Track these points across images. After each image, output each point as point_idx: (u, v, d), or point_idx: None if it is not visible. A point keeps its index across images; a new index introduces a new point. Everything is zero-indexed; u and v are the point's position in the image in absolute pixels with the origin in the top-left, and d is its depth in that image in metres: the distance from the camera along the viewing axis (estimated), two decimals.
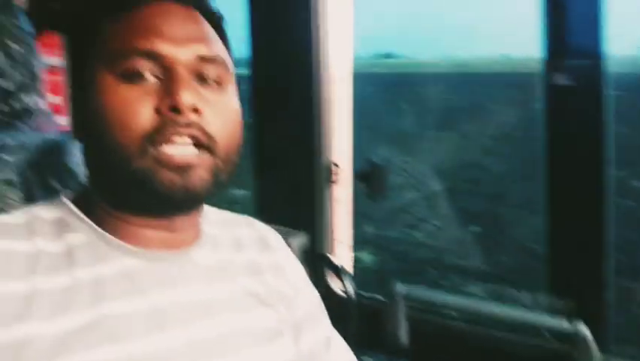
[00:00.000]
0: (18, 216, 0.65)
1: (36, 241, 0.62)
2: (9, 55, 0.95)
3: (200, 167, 0.61)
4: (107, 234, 0.65)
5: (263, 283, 0.75)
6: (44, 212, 0.66)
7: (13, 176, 0.96)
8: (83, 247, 0.63)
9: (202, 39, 0.64)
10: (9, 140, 0.95)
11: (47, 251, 0.61)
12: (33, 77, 0.99)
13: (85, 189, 0.70)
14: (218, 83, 0.65)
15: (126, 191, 0.63)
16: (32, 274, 0.59)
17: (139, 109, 0.60)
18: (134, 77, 0.61)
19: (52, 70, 1.26)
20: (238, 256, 0.75)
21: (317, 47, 1.30)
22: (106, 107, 0.61)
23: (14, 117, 0.96)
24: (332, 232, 1.34)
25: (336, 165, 1.32)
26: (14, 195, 0.95)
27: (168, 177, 0.60)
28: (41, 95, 1.01)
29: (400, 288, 1.21)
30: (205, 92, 0.63)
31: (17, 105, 0.96)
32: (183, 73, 0.61)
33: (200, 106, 0.61)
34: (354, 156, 1.41)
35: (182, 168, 0.60)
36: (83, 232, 0.65)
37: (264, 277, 0.75)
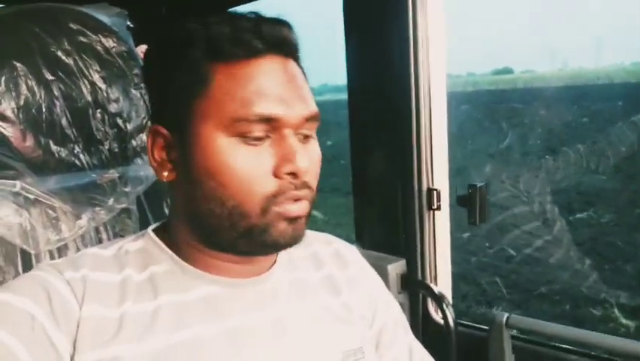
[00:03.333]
0: (109, 249, 0.70)
1: (125, 270, 0.67)
2: (130, 100, 1.07)
3: (304, 216, 0.67)
4: (187, 264, 0.69)
5: (341, 299, 0.76)
6: (130, 245, 0.71)
7: (130, 205, 1.09)
8: (165, 276, 0.68)
9: (305, 98, 0.66)
10: (129, 174, 1.08)
11: (134, 280, 0.67)
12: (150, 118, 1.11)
13: (168, 223, 0.74)
14: (310, 134, 0.68)
15: (235, 241, 0.66)
16: (123, 300, 0.64)
17: (259, 173, 0.63)
18: (249, 139, 0.63)
19: None
20: (316, 273, 0.77)
21: (415, 68, 1.29)
22: (225, 169, 0.62)
23: (133, 155, 1.08)
24: (432, 259, 1.31)
25: (436, 191, 1.30)
26: (131, 221, 1.07)
27: (282, 228, 0.65)
28: None
29: (504, 317, 1.15)
30: (303, 147, 0.66)
31: (135, 143, 1.07)
32: (292, 135, 0.65)
33: (309, 167, 0.65)
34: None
35: (293, 219, 0.65)
36: (165, 262, 0.69)
37: (342, 293, 0.76)
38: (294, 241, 0.66)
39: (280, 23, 0.65)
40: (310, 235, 0.82)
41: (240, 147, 0.63)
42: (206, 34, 0.63)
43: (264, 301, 0.70)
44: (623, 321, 4.68)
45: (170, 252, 0.70)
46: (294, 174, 0.64)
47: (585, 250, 5.94)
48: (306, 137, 0.67)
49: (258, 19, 0.64)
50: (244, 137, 0.63)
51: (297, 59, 0.69)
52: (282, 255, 0.75)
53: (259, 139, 0.63)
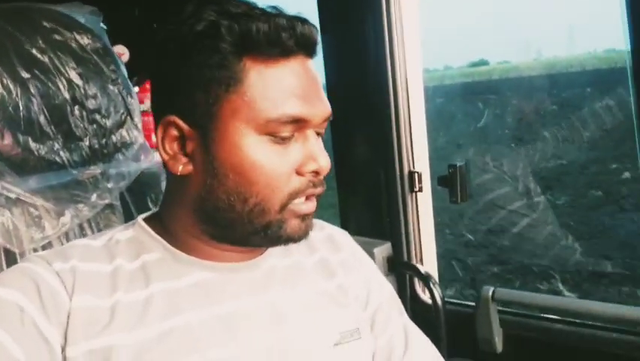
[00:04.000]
0: (98, 240, 0.70)
1: (115, 260, 0.67)
2: (108, 96, 1.07)
3: (313, 212, 0.70)
4: (179, 251, 0.69)
5: (335, 282, 0.76)
6: (120, 234, 0.71)
7: (114, 201, 1.09)
8: (157, 263, 0.68)
9: (323, 97, 0.68)
10: (111, 170, 1.08)
11: (125, 269, 0.66)
12: (129, 113, 1.11)
13: (162, 212, 0.73)
14: (323, 133, 0.70)
15: (249, 236, 0.67)
16: (114, 290, 0.64)
17: (284, 171, 0.65)
18: (277, 138, 0.64)
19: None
20: (309, 258, 0.78)
21: (391, 61, 1.32)
22: (254, 167, 0.63)
23: (114, 150, 1.08)
24: (416, 240, 1.33)
25: (417, 174, 1.32)
26: (115, 217, 1.07)
27: (296, 225, 0.67)
28: (138, 130, 1.13)
29: (490, 291, 1.17)
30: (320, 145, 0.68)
31: (115, 139, 1.07)
32: (314, 134, 0.67)
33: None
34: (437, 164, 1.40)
35: (306, 217, 0.68)
36: (157, 249, 0.69)
37: (336, 276, 0.77)
38: (305, 234, 0.69)
39: (309, 23, 0.65)
40: None
41: (268, 145, 0.64)
42: (239, 29, 0.62)
43: (258, 285, 0.70)
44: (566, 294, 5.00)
45: (161, 239, 0.69)
46: (316, 173, 0.66)
47: (540, 232, 6.18)
48: (319, 134, 0.69)
49: (292, 17, 0.64)
50: (273, 136, 0.64)
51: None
52: None
53: (287, 138, 0.65)
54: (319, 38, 0.67)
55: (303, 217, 0.68)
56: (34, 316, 0.60)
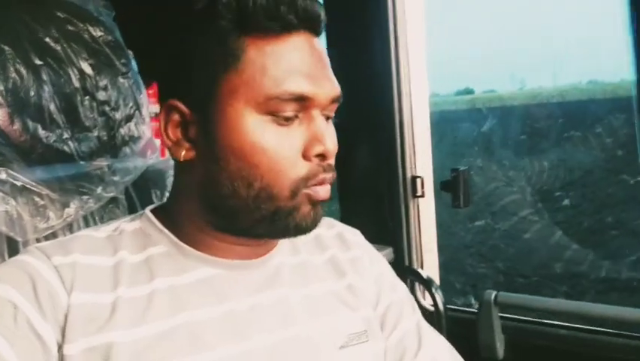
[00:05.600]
0: (103, 231, 0.67)
1: (119, 253, 0.64)
2: (118, 89, 1.07)
3: (326, 200, 0.66)
4: (185, 245, 0.66)
5: (345, 282, 0.74)
6: (126, 225, 0.68)
7: (119, 195, 1.07)
8: (162, 257, 0.65)
9: (331, 76, 0.65)
10: (117, 163, 1.07)
11: (129, 262, 0.64)
12: (138, 107, 1.10)
13: (169, 203, 0.71)
14: (331, 116, 0.67)
15: (257, 224, 0.64)
16: (116, 285, 0.61)
17: (289, 154, 0.61)
18: (280, 118, 0.61)
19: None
20: (319, 256, 0.76)
21: (396, 65, 1.34)
22: (255, 149, 0.60)
23: (122, 144, 1.07)
24: (418, 245, 1.33)
25: (419, 178, 1.33)
26: (120, 211, 1.06)
27: (306, 211, 0.64)
28: (146, 125, 1.12)
29: (492, 295, 1.17)
30: (328, 128, 0.65)
31: (124, 132, 1.07)
32: (320, 115, 0.63)
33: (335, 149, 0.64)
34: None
35: (317, 204, 0.65)
36: (163, 243, 0.66)
37: (346, 275, 0.75)
38: (314, 225, 0.65)
39: None
40: None
41: (270, 126, 0.61)
42: (236, 5, 0.60)
43: (266, 283, 0.68)
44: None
45: (168, 233, 0.67)
46: (322, 156, 0.63)
47: (473, 253, 6.57)
48: (328, 118, 0.66)
49: None
50: (275, 116, 0.60)
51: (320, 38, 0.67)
52: (285, 239, 0.73)
53: (290, 119, 0.61)
54: (323, 15, 0.64)
55: (315, 204, 0.64)
56: (29, 313, 0.57)
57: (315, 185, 0.63)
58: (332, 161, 0.65)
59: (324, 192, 0.64)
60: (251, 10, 0.59)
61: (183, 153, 0.64)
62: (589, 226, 6.89)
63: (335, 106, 0.66)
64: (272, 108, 0.60)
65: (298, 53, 0.61)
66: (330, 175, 0.64)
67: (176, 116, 0.64)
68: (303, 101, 0.61)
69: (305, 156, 0.62)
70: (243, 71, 0.60)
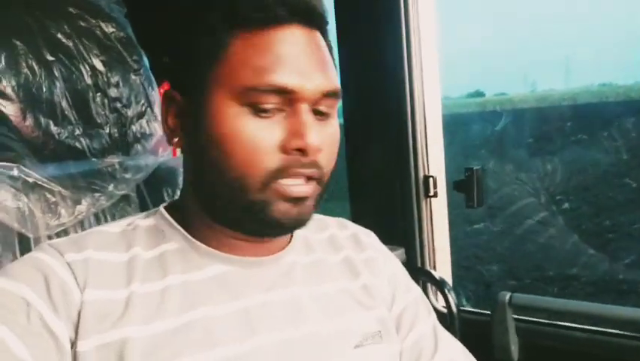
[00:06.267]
0: (117, 226, 0.67)
1: (133, 249, 0.64)
2: (130, 86, 1.06)
3: (311, 197, 0.63)
4: (199, 242, 0.66)
5: (359, 282, 0.73)
6: (141, 221, 0.68)
7: (131, 192, 1.07)
8: (175, 254, 0.65)
9: (327, 71, 0.63)
10: (129, 161, 1.06)
11: (143, 258, 0.64)
12: (150, 104, 1.10)
13: (180, 199, 0.71)
14: (329, 112, 0.64)
15: (238, 217, 0.64)
16: (130, 281, 0.61)
17: (266, 146, 0.60)
18: (260, 110, 0.60)
19: None
20: (334, 256, 0.75)
21: (409, 64, 1.33)
22: (231, 138, 0.60)
23: (133, 141, 1.07)
24: (430, 245, 1.32)
25: (432, 178, 1.32)
26: (131, 208, 1.05)
27: (284, 208, 0.61)
28: (157, 122, 1.12)
29: (507, 296, 1.15)
30: (319, 125, 0.63)
31: (135, 129, 1.06)
32: (307, 110, 0.61)
33: (321, 145, 0.61)
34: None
35: (297, 200, 0.62)
36: (176, 239, 0.66)
37: (360, 275, 0.74)
38: (297, 223, 0.64)
39: None
40: (325, 219, 0.79)
41: (249, 117, 0.60)
42: None
43: (278, 281, 0.67)
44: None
45: (181, 229, 0.66)
46: (302, 150, 0.60)
47: (466, 256, 6.55)
48: (325, 114, 0.63)
49: None
50: (254, 107, 0.59)
51: (324, 32, 0.65)
52: (299, 238, 0.73)
53: (270, 111, 0.60)
54: (324, 9, 0.64)
55: (295, 201, 0.61)
56: (42, 310, 0.57)
57: (287, 178, 0.61)
58: (316, 157, 0.62)
59: (299, 189, 0.61)
60: (239, 2, 0.60)
61: (176, 140, 0.66)
62: (587, 229, 6.93)
63: (331, 101, 0.63)
64: (251, 99, 0.59)
65: (286, 46, 0.60)
66: (309, 171, 0.61)
67: (174, 106, 0.66)
68: (286, 94, 0.60)
69: (283, 150, 0.60)
70: (228, 62, 0.60)
